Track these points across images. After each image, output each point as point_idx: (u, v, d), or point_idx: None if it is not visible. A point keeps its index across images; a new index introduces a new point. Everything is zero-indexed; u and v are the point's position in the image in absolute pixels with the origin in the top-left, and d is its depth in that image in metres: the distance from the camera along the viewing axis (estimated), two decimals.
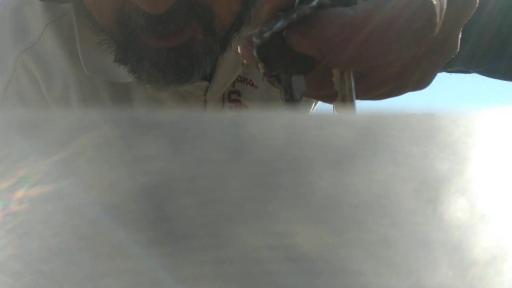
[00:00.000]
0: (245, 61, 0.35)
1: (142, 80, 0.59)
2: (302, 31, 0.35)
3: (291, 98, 0.34)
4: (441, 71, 0.47)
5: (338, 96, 0.36)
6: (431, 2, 0.36)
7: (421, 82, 0.42)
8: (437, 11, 0.36)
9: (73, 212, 0.16)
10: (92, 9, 0.57)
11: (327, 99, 0.44)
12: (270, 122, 0.22)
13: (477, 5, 0.40)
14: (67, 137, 0.20)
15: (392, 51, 0.37)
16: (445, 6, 0.37)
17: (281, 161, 0.19)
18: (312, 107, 0.74)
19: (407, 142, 0.20)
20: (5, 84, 0.66)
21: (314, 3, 0.32)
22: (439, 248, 0.14)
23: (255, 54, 0.33)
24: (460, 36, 0.41)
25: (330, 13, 0.34)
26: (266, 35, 0.33)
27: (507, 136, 0.22)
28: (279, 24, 0.33)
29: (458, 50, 0.42)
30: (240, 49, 0.37)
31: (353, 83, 0.35)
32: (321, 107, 0.73)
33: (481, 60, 0.61)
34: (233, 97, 0.70)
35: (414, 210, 0.16)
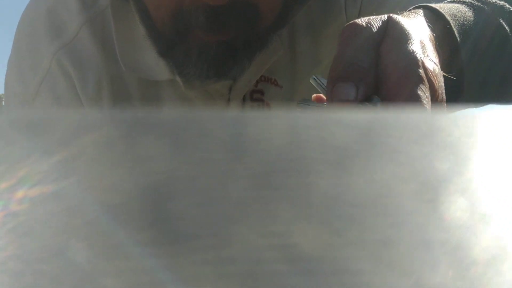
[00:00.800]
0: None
1: (184, 76, 0.60)
2: None
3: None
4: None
5: None
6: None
7: None
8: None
9: (73, 212, 0.16)
10: (148, 2, 0.58)
11: None
12: (271, 122, 0.22)
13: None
14: (67, 137, 0.20)
15: None
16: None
17: (282, 161, 0.19)
18: None
19: (407, 142, 0.20)
20: (40, 81, 0.68)
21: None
22: (439, 248, 0.14)
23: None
24: None
25: None
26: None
27: (507, 136, 0.22)
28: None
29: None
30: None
31: None
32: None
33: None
34: (255, 96, 0.71)
35: (414, 210, 0.16)
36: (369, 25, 0.39)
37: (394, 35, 0.38)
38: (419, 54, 0.36)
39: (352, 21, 0.41)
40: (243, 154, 0.19)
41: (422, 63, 0.35)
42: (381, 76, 0.35)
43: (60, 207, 0.16)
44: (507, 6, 0.56)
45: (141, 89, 0.68)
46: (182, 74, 0.61)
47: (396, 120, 0.22)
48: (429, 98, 0.33)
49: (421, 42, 0.38)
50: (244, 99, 0.71)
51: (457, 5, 0.50)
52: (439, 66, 0.36)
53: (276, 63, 0.71)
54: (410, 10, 0.47)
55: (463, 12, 0.49)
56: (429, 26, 0.42)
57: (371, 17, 0.40)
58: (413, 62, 0.35)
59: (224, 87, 0.68)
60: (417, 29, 0.39)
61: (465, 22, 0.48)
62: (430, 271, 0.14)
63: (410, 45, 0.36)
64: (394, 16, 0.40)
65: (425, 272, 0.14)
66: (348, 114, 0.24)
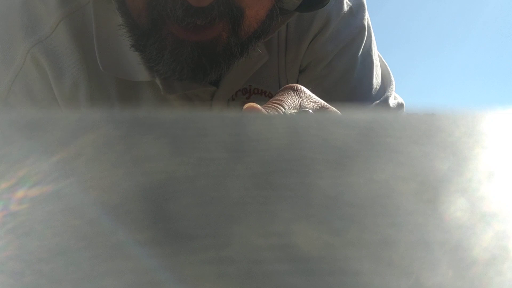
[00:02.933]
0: None
1: (157, 71, 0.58)
2: None
3: None
4: None
5: None
6: None
7: None
8: None
9: (73, 212, 0.16)
10: None
11: None
12: (271, 122, 0.22)
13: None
14: (67, 137, 0.20)
15: None
16: None
17: (282, 161, 0.19)
18: None
19: (407, 142, 0.20)
20: (13, 77, 0.65)
21: None
22: (439, 248, 0.14)
23: None
24: None
25: None
26: None
27: (507, 136, 0.22)
28: None
29: None
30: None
31: None
32: None
33: None
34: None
35: (414, 210, 0.16)
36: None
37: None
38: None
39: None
40: (243, 154, 0.19)
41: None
42: None
43: (60, 207, 0.16)
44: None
45: (120, 90, 0.66)
46: (154, 69, 0.59)
47: (396, 120, 0.22)
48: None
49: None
50: (227, 104, 0.70)
51: None
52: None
53: (270, 75, 0.71)
54: None
55: None
56: None
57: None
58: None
59: (206, 93, 0.67)
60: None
61: None
62: (430, 271, 0.14)
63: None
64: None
65: (425, 272, 0.14)
66: (348, 114, 0.24)
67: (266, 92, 0.71)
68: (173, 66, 0.55)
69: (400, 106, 0.73)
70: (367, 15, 0.74)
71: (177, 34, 0.54)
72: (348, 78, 0.70)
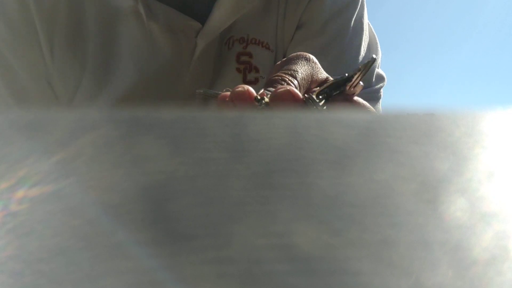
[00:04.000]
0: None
1: None
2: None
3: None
4: None
5: None
6: None
7: None
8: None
9: (73, 212, 0.16)
10: None
11: None
12: (271, 122, 0.22)
13: None
14: (67, 137, 0.20)
15: None
16: None
17: (282, 161, 0.19)
18: None
19: (407, 142, 0.20)
20: None
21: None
22: (439, 248, 0.14)
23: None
24: None
25: None
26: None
27: (507, 136, 0.22)
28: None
29: None
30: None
31: None
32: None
33: None
34: (242, 58, 0.70)
35: (414, 210, 0.16)
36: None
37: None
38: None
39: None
40: (243, 154, 0.19)
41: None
42: None
43: (60, 207, 0.16)
44: None
45: (99, 22, 0.67)
46: None
47: (396, 120, 0.22)
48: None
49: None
50: (220, 50, 0.70)
51: None
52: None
53: (268, 26, 0.71)
54: None
55: None
56: None
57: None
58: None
59: (191, 29, 0.67)
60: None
61: None
62: (430, 271, 0.14)
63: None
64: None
65: (425, 272, 0.14)
66: (348, 114, 0.24)
67: (264, 43, 0.70)
68: None
69: (380, 78, 0.74)
70: None
71: None
72: (339, 41, 0.71)
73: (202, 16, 0.66)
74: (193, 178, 0.17)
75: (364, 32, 0.75)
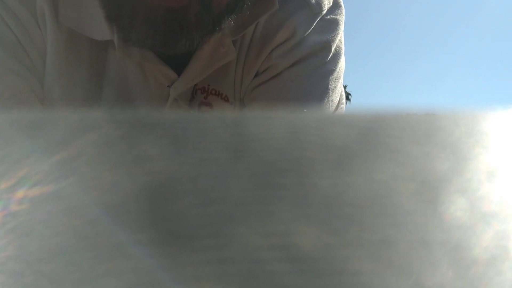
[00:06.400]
0: None
1: (129, 40, 0.59)
2: None
3: None
4: None
5: None
6: None
7: None
8: None
9: (73, 212, 0.16)
10: None
11: None
12: (271, 122, 0.22)
13: None
14: (67, 137, 0.20)
15: None
16: None
17: (282, 161, 0.19)
18: None
19: (408, 142, 0.20)
20: None
21: None
22: (439, 248, 0.14)
23: None
24: None
25: None
26: None
27: (507, 136, 0.22)
28: None
29: None
30: None
31: None
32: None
33: None
34: (203, 108, 0.70)
35: (414, 210, 0.16)
36: None
37: None
38: None
39: None
40: (244, 154, 0.19)
41: None
42: None
43: (59, 207, 0.16)
44: None
45: (91, 49, 0.66)
46: (126, 39, 0.59)
47: (396, 120, 0.22)
48: None
49: None
50: (189, 105, 0.70)
51: None
52: None
53: (227, 78, 0.70)
54: None
55: None
56: None
57: None
58: None
59: (165, 77, 0.67)
60: None
61: None
62: (430, 271, 0.14)
63: None
64: None
65: (425, 272, 0.14)
66: (348, 114, 0.24)
67: (222, 95, 0.70)
68: (146, 32, 0.56)
69: None
70: (339, 38, 0.72)
71: (150, 1, 0.55)
72: (296, 86, 0.70)
73: (177, 66, 0.66)
74: (194, 178, 0.18)
75: (330, 92, 0.71)
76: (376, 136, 0.21)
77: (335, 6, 0.73)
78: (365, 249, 0.14)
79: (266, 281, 0.13)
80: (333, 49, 0.71)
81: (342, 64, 0.73)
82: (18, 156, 0.19)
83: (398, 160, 0.19)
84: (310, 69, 0.70)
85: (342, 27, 0.73)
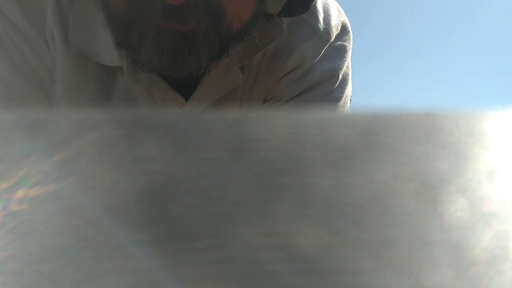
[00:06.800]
0: None
1: (138, 63, 0.59)
2: None
3: None
4: None
5: None
6: None
7: None
8: None
9: (73, 212, 0.16)
10: None
11: None
12: (272, 122, 0.22)
13: None
14: (68, 137, 0.20)
15: None
16: None
17: (283, 161, 0.19)
18: None
19: (408, 142, 0.20)
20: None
21: None
22: (439, 248, 0.14)
23: None
24: None
25: None
26: None
27: (507, 136, 0.22)
28: None
29: None
30: None
31: None
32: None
33: None
34: None
35: (415, 210, 0.16)
36: None
37: None
38: None
39: None
40: (244, 154, 0.19)
41: None
42: None
43: (60, 207, 0.16)
44: None
45: (99, 73, 0.66)
46: (135, 62, 0.59)
47: (396, 120, 0.22)
48: None
49: None
50: None
51: None
52: None
53: (233, 104, 0.70)
54: None
55: None
56: None
57: None
58: None
59: (174, 102, 0.67)
60: None
61: None
62: (430, 271, 0.14)
63: None
64: None
65: (425, 272, 0.14)
66: (348, 114, 0.24)
67: None
68: (154, 53, 0.56)
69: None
70: (346, 64, 0.73)
71: (159, 23, 0.55)
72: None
73: (185, 91, 0.66)
74: (194, 178, 0.17)
75: (338, 107, 0.72)
76: (377, 136, 0.21)
77: (343, 32, 0.73)
78: (365, 249, 0.14)
79: (266, 281, 0.13)
80: (340, 76, 0.72)
81: (349, 90, 0.74)
82: (18, 156, 0.19)
83: (399, 160, 0.19)
84: (318, 97, 0.71)
85: (350, 53, 0.74)
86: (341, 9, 0.74)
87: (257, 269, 0.14)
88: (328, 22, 0.71)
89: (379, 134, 0.21)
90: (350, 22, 0.74)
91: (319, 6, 0.70)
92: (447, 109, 0.23)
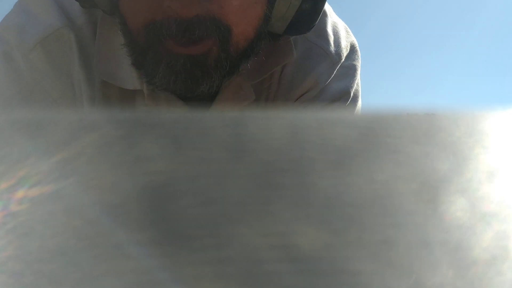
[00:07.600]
0: None
1: (153, 84, 0.63)
2: None
3: None
4: None
5: None
6: None
7: None
8: None
9: (73, 212, 0.16)
10: (127, 14, 0.62)
11: None
12: (272, 122, 0.22)
13: None
14: (68, 137, 0.20)
15: None
16: None
17: (282, 161, 0.19)
18: None
19: (408, 142, 0.20)
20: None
21: None
22: (439, 248, 0.14)
23: None
24: None
25: None
26: None
27: (507, 136, 0.22)
28: None
29: None
30: None
31: None
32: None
33: None
34: None
35: (415, 210, 0.16)
36: None
37: None
38: None
39: None
40: (244, 154, 0.19)
41: None
42: None
43: (60, 207, 0.16)
44: None
45: (121, 98, 0.71)
46: (151, 83, 0.63)
47: (396, 120, 0.22)
48: None
49: None
50: None
51: None
52: None
53: None
54: None
55: None
56: None
57: None
58: None
59: None
60: None
61: None
62: (430, 271, 0.14)
63: None
64: None
65: (425, 272, 0.14)
66: (348, 114, 0.24)
67: None
68: (168, 78, 0.60)
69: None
70: (356, 82, 0.77)
71: (172, 49, 0.59)
72: None
73: (201, 108, 0.70)
74: (194, 178, 0.17)
75: None
76: (377, 136, 0.21)
77: (352, 51, 0.77)
78: (365, 249, 0.14)
79: (266, 281, 0.13)
80: (351, 94, 0.76)
81: (359, 106, 0.79)
82: (18, 156, 0.19)
83: (399, 160, 0.19)
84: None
85: (359, 71, 0.78)
86: (348, 30, 0.78)
87: (257, 269, 0.14)
88: (339, 44, 0.75)
89: (379, 134, 0.21)
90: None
91: (329, 29, 0.75)
92: (447, 109, 0.23)
